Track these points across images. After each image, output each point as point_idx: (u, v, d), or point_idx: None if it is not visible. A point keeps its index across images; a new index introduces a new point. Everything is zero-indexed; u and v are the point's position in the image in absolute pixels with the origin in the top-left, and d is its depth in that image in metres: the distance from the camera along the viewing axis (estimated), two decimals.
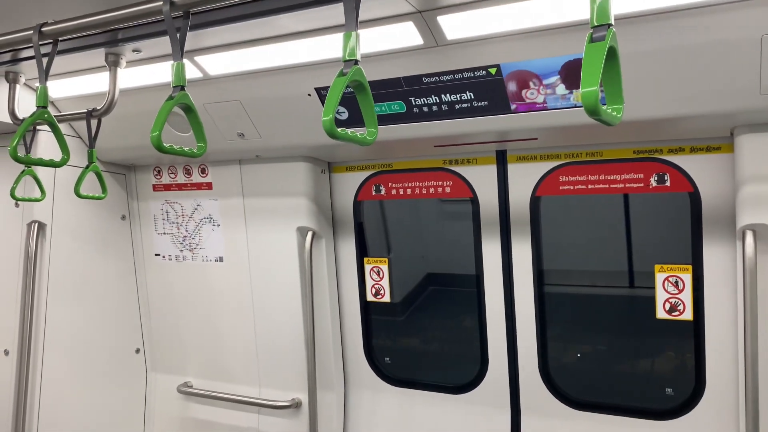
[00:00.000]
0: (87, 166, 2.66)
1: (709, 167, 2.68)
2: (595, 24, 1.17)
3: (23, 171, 2.79)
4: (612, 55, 1.18)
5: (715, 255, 2.71)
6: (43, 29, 2.03)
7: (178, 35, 1.76)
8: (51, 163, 2.41)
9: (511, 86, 2.41)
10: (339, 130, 1.42)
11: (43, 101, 2.15)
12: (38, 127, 3.23)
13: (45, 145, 3.30)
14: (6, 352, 3.48)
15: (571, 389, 3.13)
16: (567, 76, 2.31)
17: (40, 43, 2.07)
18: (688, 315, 2.80)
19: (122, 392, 3.91)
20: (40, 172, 3.19)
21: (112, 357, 3.83)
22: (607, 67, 1.17)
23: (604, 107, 1.16)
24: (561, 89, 2.36)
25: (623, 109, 1.24)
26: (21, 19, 2.21)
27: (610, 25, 1.16)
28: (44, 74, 2.12)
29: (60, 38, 2.09)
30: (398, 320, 3.70)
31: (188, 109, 1.80)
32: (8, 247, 3.50)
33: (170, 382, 3.99)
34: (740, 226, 2.47)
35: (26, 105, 3.07)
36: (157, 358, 4.06)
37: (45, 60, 2.16)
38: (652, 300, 2.87)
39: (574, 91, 2.33)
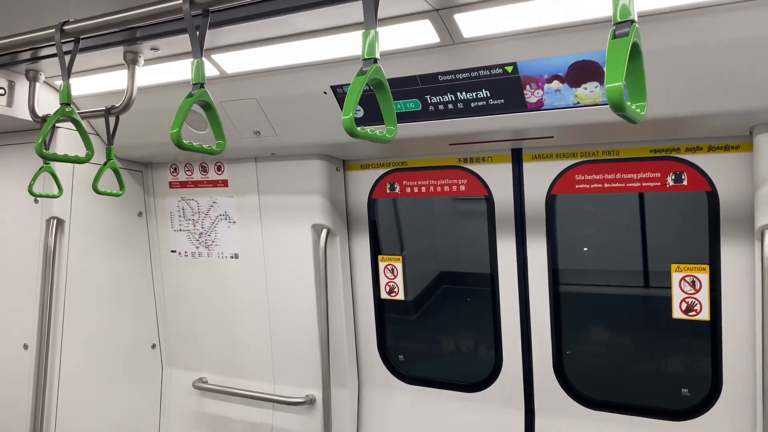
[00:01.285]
0: (105, 163, 2.69)
1: (728, 166, 2.66)
2: (618, 20, 1.17)
3: (41, 168, 2.82)
4: (635, 51, 1.17)
5: (732, 255, 2.69)
6: (65, 27, 2.06)
7: (197, 33, 1.78)
8: (76, 159, 2.44)
9: (528, 84, 2.41)
10: (359, 128, 1.42)
11: (67, 98, 2.18)
12: (56, 125, 3.27)
13: (64, 141, 3.34)
14: (25, 347, 3.53)
15: (585, 388, 3.11)
16: (573, 75, 2.31)
17: (62, 41, 2.10)
18: (704, 315, 2.78)
19: (138, 387, 3.95)
20: (58, 169, 3.23)
21: (128, 352, 3.87)
22: (631, 64, 1.17)
23: (629, 104, 1.15)
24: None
25: (646, 106, 1.23)
26: (41, 18, 2.24)
27: (633, 21, 1.16)
28: (67, 72, 2.15)
29: (81, 36, 2.11)
30: (412, 318, 3.70)
31: (207, 107, 1.81)
32: (27, 243, 3.55)
33: (186, 377, 4.03)
34: (759, 226, 2.44)
35: (45, 103, 3.12)
36: (172, 354, 4.10)
37: (67, 58, 2.18)
38: (668, 300, 2.85)
39: (576, 90, 2.32)
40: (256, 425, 3.81)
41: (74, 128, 2.35)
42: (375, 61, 1.46)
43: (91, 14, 2.02)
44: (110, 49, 2.47)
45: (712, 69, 2.11)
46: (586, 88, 2.33)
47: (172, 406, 4.09)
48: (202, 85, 1.76)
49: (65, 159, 2.42)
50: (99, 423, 3.66)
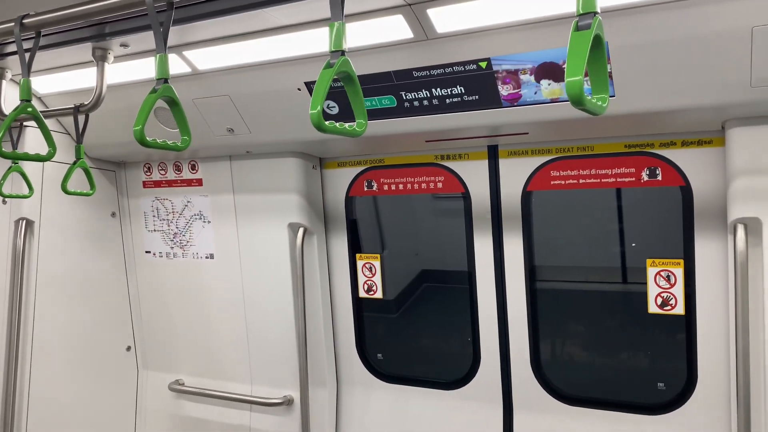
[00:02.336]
0: (74, 162, 2.63)
1: (701, 161, 2.68)
2: (581, 12, 1.16)
3: (10, 167, 2.75)
4: (598, 44, 1.16)
5: (706, 249, 2.71)
6: (24, 21, 2.00)
7: (161, 27, 1.74)
8: (37, 158, 2.38)
9: (501, 80, 2.40)
10: (327, 122, 1.40)
11: (26, 95, 2.12)
12: (25, 123, 3.20)
13: (33, 140, 3.27)
14: None
15: (563, 384, 3.12)
16: (542, 71, 2.31)
17: (23, 36, 2.04)
18: (679, 309, 2.80)
19: (113, 390, 3.89)
20: (28, 168, 3.17)
21: (102, 355, 3.80)
22: (593, 57, 1.15)
23: (590, 97, 1.14)
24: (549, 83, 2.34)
25: (608, 99, 1.22)
26: (2, 12, 2.18)
27: (596, 13, 1.15)
28: (27, 67, 2.10)
29: (43, 30, 2.06)
30: (392, 317, 3.69)
31: (172, 103, 1.77)
32: None
33: (161, 379, 3.97)
34: (731, 220, 2.46)
35: (13, 101, 3.03)
36: (148, 356, 4.04)
37: (27, 54, 2.13)
38: (643, 295, 2.86)
39: (542, 82, 2.31)
40: (234, 427, 3.76)
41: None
42: (343, 53, 1.44)
43: (53, 8, 1.97)
44: (78, 45, 2.41)
45: (684, 64, 2.12)
46: (550, 84, 2.33)
47: (148, 409, 4.03)
48: (166, 81, 1.72)
49: (26, 157, 2.36)
50: (72, 428, 3.59)
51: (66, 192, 2.67)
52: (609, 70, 2.21)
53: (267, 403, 3.58)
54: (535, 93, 2.39)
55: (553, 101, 2.38)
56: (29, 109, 2.14)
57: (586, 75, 1.12)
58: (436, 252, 3.67)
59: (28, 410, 3.34)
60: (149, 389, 4.04)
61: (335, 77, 1.44)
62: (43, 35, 2.19)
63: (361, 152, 3.43)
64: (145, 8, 1.75)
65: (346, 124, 1.50)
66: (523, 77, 2.36)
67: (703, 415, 2.79)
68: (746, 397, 2.44)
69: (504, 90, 2.43)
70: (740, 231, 2.41)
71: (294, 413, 3.57)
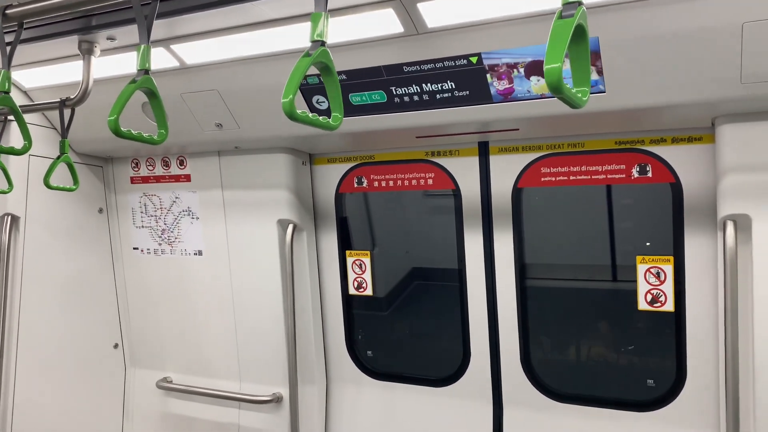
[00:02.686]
0: (58, 157, 2.59)
1: (691, 158, 2.68)
2: (567, 1, 1.14)
3: None
4: (580, 34, 1.15)
5: (696, 246, 2.71)
6: (7, 12, 1.97)
7: (145, 18, 1.71)
8: (11, 151, 2.33)
9: (492, 75, 2.39)
10: (300, 112, 1.37)
11: (5, 86, 2.08)
12: (9, 117, 3.15)
13: (18, 136, 3.20)
14: None
15: (553, 381, 3.12)
16: (531, 66, 2.30)
17: (6, 27, 2.00)
18: (669, 306, 2.80)
19: (100, 388, 3.85)
20: (14, 164, 3.13)
21: (89, 353, 3.76)
22: (575, 48, 1.14)
23: (570, 87, 1.13)
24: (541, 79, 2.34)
25: (589, 92, 1.21)
26: None
27: (580, 2, 1.13)
28: (8, 60, 2.06)
29: (26, 22, 2.02)
30: (382, 314, 3.67)
31: (151, 94, 1.75)
32: None
33: (149, 377, 3.94)
34: (721, 217, 2.46)
35: None
36: (135, 354, 4.00)
37: (8, 47, 2.09)
38: (633, 291, 2.86)
39: (531, 78, 2.30)
40: (223, 425, 3.74)
41: (30, 121, 2.25)
42: (323, 44, 1.41)
43: None
44: (64, 38, 2.37)
45: (674, 60, 2.11)
46: (539, 80, 2.32)
47: (136, 406, 4.00)
48: (147, 72, 1.69)
49: (1, 150, 2.32)
50: (58, 426, 3.55)
51: (48, 186, 2.63)
52: (600, 66, 2.20)
53: (256, 401, 3.56)
54: (527, 90, 2.38)
55: (542, 96, 2.37)
56: (7, 102, 2.09)
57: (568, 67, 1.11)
58: (426, 249, 3.65)
59: (14, 407, 3.30)
60: (137, 387, 4.00)
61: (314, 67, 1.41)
62: (28, 27, 2.15)
63: (351, 148, 3.41)
64: (130, 0, 1.72)
65: (320, 117, 1.47)
66: (513, 73, 2.35)
67: (692, 412, 2.80)
68: (735, 393, 2.44)
69: (495, 85, 2.41)
70: (730, 228, 2.41)
71: (283, 411, 3.55)
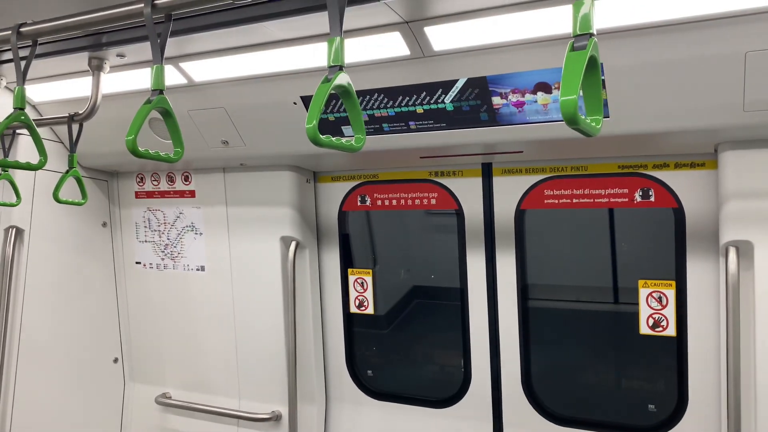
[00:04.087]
0: (67, 171, 2.61)
1: (693, 183, 2.69)
2: (578, 33, 1.16)
3: (0, 175, 2.73)
4: (593, 65, 1.17)
5: (698, 271, 2.72)
6: (21, 29, 2.00)
7: (158, 38, 1.73)
8: (28, 166, 2.36)
9: (497, 98, 2.41)
10: (323, 137, 1.39)
11: (20, 103, 2.10)
12: (18, 131, 3.18)
13: (25, 149, 3.25)
14: None
15: (553, 404, 3.10)
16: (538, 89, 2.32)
17: (19, 44, 2.03)
18: (671, 331, 2.80)
19: (99, 402, 3.83)
20: (20, 176, 3.14)
21: (89, 366, 3.75)
22: (588, 77, 1.16)
23: (584, 117, 1.14)
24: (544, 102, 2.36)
25: (602, 120, 1.22)
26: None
27: (591, 34, 1.15)
28: (22, 75, 2.08)
29: (39, 39, 2.05)
30: (382, 333, 3.67)
31: (166, 114, 1.76)
32: None
33: (148, 392, 3.92)
34: (723, 243, 2.47)
35: (6, 108, 3.02)
36: (135, 368, 3.99)
37: (23, 63, 2.12)
38: (635, 315, 2.86)
39: (539, 94, 2.32)
40: None
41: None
42: (341, 68, 1.43)
43: (53, 16, 1.96)
44: (75, 54, 2.41)
45: (678, 87, 2.13)
46: (543, 95, 2.35)
47: (134, 422, 3.98)
48: (161, 92, 1.72)
49: (17, 165, 2.34)
50: None
51: (58, 201, 2.65)
52: (604, 92, 2.22)
53: (255, 419, 3.54)
54: (533, 112, 2.40)
55: (550, 121, 2.39)
56: (22, 118, 2.12)
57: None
58: (427, 268, 3.66)
59: (12, 419, 3.29)
60: (135, 402, 3.98)
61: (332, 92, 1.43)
62: (40, 44, 2.18)
63: (355, 167, 3.43)
64: (143, 19, 1.75)
65: (343, 139, 1.49)
66: (517, 96, 2.37)
67: None
68: (737, 420, 2.43)
69: (499, 108, 2.43)
70: (732, 254, 2.42)
71: (282, 429, 3.53)
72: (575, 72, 1.10)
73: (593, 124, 1.19)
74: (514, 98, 2.38)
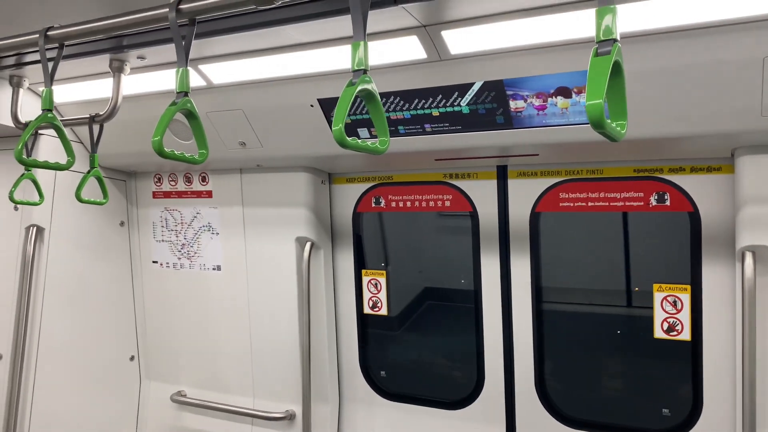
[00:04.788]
0: (89, 171, 2.66)
1: (710, 187, 2.69)
2: (602, 39, 1.18)
3: (23, 174, 2.78)
4: (617, 70, 1.18)
5: (714, 275, 2.71)
6: (49, 33, 2.04)
7: (183, 42, 1.76)
8: (56, 166, 2.41)
9: (513, 101, 2.42)
10: (350, 139, 1.41)
11: (49, 104, 2.15)
12: (40, 131, 3.24)
13: (46, 149, 3.30)
14: None
15: (567, 407, 3.10)
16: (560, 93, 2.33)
17: (46, 47, 2.08)
18: (686, 335, 2.79)
19: (115, 399, 3.88)
20: (41, 177, 3.19)
21: (106, 364, 3.80)
22: (612, 83, 1.17)
23: (609, 122, 1.16)
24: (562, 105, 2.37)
25: (626, 125, 1.24)
26: (26, 23, 2.22)
27: (615, 40, 1.17)
28: (50, 77, 2.13)
29: (65, 42, 2.09)
30: (395, 334, 3.68)
31: (191, 116, 1.79)
32: (6, 250, 3.49)
33: (164, 390, 3.97)
34: (740, 247, 2.47)
35: (29, 109, 3.09)
36: (151, 366, 4.04)
37: (50, 64, 2.16)
38: (649, 319, 2.86)
39: (558, 97, 2.33)
40: None
41: (57, 135, 2.32)
42: (365, 72, 1.45)
43: (77, 21, 2.00)
44: (96, 56, 2.45)
45: (695, 91, 2.14)
46: (562, 100, 2.35)
47: (150, 419, 4.02)
48: (186, 94, 1.75)
49: (45, 166, 2.39)
50: None
51: (80, 200, 2.69)
52: None
53: (269, 417, 3.57)
54: (548, 114, 2.41)
55: (567, 125, 2.39)
56: (51, 119, 2.17)
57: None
58: (439, 270, 3.67)
59: (31, 416, 3.34)
60: (151, 399, 4.03)
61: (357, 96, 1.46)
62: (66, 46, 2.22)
63: (370, 169, 3.45)
64: (166, 23, 1.78)
65: (369, 141, 1.51)
66: (535, 99, 2.39)
67: None
68: (752, 425, 2.42)
69: (516, 111, 2.45)
70: (748, 258, 2.41)
71: (296, 428, 3.56)
72: (601, 77, 1.12)
73: (618, 128, 1.20)
74: (531, 101, 2.40)
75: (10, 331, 3.36)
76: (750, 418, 2.42)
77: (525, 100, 2.40)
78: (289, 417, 3.55)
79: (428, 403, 3.43)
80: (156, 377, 4.03)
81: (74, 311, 3.58)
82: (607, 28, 1.18)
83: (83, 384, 3.64)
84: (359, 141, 1.46)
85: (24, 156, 2.21)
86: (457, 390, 3.37)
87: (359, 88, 1.43)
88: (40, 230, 3.38)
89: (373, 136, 2.81)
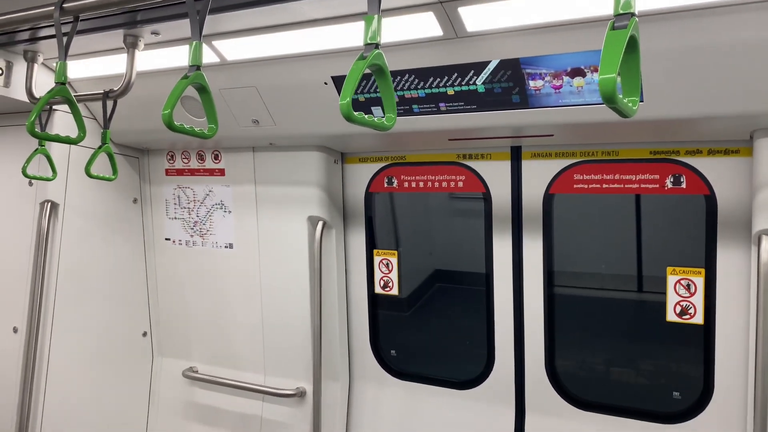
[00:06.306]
0: (99, 147, 2.66)
1: (727, 170, 2.65)
2: (619, 12, 1.15)
3: (36, 150, 2.79)
4: (633, 45, 1.16)
5: (728, 259, 2.69)
6: (64, 5, 2.03)
7: (197, 15, 1.75)
8: (67, 140, 2.42)
9: (529, 80, 2.39)
10: (356, 114, 1.40)
11: (62, 77, 2.15)
12: (54, 107, 3.24)
13: (60, 124, 3.31)
14: (15, 330, 3.51)
15: (577, 389, 3.11)
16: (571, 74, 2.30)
17: (61, 20, 2.07)
18: (698, 319, 2.78)
19: (128, 375, 3.93)
20: (55, 152, 3.21)
21: (119, 339, 3.85)
22: (627, 58, 1.15)
23: (621, 97, 1.14)
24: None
25: (639, 102, 1.22)
26: None
27: (633, 14, 1.14)
28: (64, 51, 2.13)
29: (80, 15, 2.09)
30: (405, 315, 3.69)
31: (202, 89, 1.78)
32: (21, 225, 3.52)
33: (176, 366, 4.01)
34: (756, 231, 2.44)
35: (43, 84, 3.09)
36: (163, 342, 4.08)
37: (65, 39, 2.16)
38: (662, 302, 2.84)
39: (574, 77, 2.29)
40: (246, 416, 3.79)
41: (70, 111, 2.33)
42: (377, 46, 1.44)
43: None
44: (110, 32, 2.44)
45: (714, 71, 2.10)
46: (576, 79, 2.32)
47: (162, 394, 4.08)
48: (198, 68, 1.74)
49: (57, 139, 2.40)
50: (87, 409, 3.64)
51: (89, 175, 2.71)
52: None
53: (279, 394, 3.61)
54: (564, 94, 2.38)
55: (583, 104, 2.36)
56: (64, 93, 2.17)
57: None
58: (450, 252, 3.66)
59: (46, 389, 3.40)
60: (163, 375, 4.08)
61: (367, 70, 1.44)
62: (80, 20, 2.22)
63: (382, 148, 3.43)
64: None
65: (375, 117, 1.50)
66: (551, 79, 2.36)
67: (718, 426, 2.77)
68: (763, 409, 2.41)
69: (532, 91, 2.42)
70: (765, 242, 2.39)
71: (306, 405, 3.60)
72: (615, 51, 1.10)
73: (630, 104, 1.18)
74: (548, 80, 2.37)
75: (25, 305, 3.41)
76: (762, 402, 2.41)
77: (542, 79, 2.37)
78: (300, 394, 3.59)
79: (438, 383, 3.44)
80: (168, 353, 4.08)
81: (88, 286, 3.62)
82: (627, 1, 1.15)
83: (97, 358, 3.69)
84: (366, 117, 1.44)
85: (36, 129, 2.22)
86: (467, 370, 3.38)
87: (370, 62, 1.41)
88: (54, 206, 3.41)
89: None
